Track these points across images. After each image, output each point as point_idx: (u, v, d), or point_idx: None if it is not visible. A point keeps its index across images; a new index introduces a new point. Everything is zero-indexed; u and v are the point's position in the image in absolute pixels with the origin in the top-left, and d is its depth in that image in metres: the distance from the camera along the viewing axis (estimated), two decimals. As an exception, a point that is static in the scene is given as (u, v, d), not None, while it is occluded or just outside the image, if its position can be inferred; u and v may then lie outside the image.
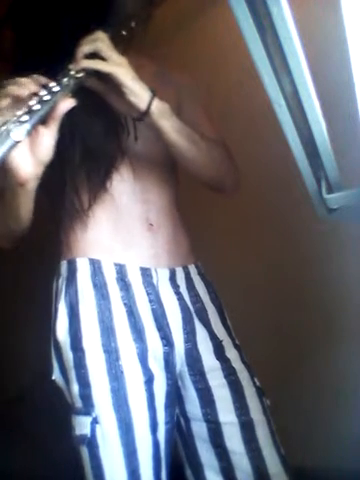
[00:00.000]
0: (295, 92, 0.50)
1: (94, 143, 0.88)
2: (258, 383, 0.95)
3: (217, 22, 1.57)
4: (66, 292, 0.88)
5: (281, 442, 0.93)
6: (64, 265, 0.91)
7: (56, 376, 0.89)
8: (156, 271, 0.92)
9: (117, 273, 0.89)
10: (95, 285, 0.87)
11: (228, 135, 1.07)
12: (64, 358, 0.86)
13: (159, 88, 1.01)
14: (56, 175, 0.86)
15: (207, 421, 0.91)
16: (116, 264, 0.90)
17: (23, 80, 0.72)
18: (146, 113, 0.81)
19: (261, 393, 0.94)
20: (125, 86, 0.79)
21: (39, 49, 0.89)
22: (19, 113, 0.67)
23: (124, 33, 0.88)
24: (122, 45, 0.86)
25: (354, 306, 1.52)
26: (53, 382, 0.90)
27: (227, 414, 0.90)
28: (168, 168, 1.00)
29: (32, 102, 0.69)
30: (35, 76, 0.73)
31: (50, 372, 0.89)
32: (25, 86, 0.71)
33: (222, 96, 1.69)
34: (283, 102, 0.51)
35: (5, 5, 0.95)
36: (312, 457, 1.57)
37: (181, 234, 1.00)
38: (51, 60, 0.77)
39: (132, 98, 0.80)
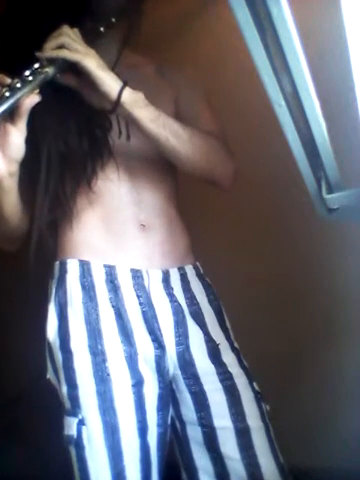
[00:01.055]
0: (295, 92, 0.50)
1: (70, 143, 0.87)
2: (257, 388, 0.94)
3: (217, 22, 1.57)
4: (56, 293, 0.88)
5: (281, 442, 0.92)
6: (56, 266, 0.91)
7: (50, 375, 0.89)
8: (148, 273, 0.91)
9: (106, 275, 0.89)
10: (83, 287, 0.87)
11: (227, 135, 1.07)
12: (55, 358, 0.87)
13: (156, 84, 1.01)
14: (39, 174, 0.86)
15: (202, 425, 0.90)
16: (106, 266, 0.89)
17: None
18: (117, 103, 0.80)
19: (260, 398, 0.93)
20: (94, 76, 0.79)
21: (21, 46, 0.87)
22: None
23: (102, 30, 0.87)
24: (103, 41, 0.85)
25: (354, 306, 1.51)
26: (50, 382, 0.90)
27: (222, 419, 0.89)
28: (163, 167, 0.98)
29: None
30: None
31: (46, 372, 0.90)
32: None
33: (222, 96, 1.69)
34: (283, 102, 0.51)
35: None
36: (312, 457, 1.56)
37: (177, 234, 0.99)
38: (32, 56, 0.76)
39: (102, 88, 0.80)
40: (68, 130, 0.87)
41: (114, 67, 0.86)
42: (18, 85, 0.71)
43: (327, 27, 1.04)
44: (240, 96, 1.64)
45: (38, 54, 0.77)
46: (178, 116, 0.99)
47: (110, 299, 0.87)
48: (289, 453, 0.93)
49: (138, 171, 0.94)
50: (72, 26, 0.81)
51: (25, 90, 0.72)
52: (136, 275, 0.90)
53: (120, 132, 0.90)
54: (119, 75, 0.83)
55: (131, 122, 0.85)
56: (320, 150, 0.57)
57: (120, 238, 0.91)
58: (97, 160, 0.89)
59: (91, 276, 0.88)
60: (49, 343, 0.87)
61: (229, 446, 0.88)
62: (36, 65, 0.75)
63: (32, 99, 0.72)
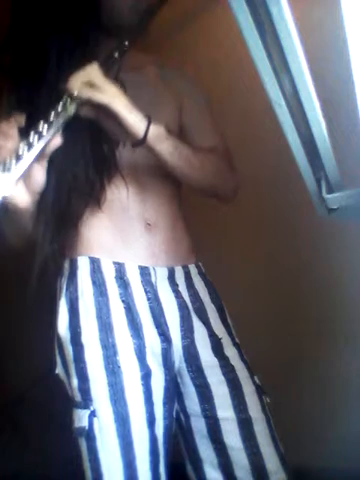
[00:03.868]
0: (295, 92, 0.50)
1: (78, 175, 0.89)
2: (258, 381, 0.96)
3: (217, 22, 1.57)
4: (67, 289, 0.91)
5: (281, 442, 0.93)
6: (66, 264, 0.94)
7: (59, 370, 0.91)
8: (154, 270, 0.94)
9: (116, 271, 0.91)
10: (94, 283, 0.90)
11: (228, 136, 1.07)
12: (65, 352, 0.88)
13: (159, 90, 1.03)
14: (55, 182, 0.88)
15: (206, 417, 0.93)
16: (115, 263, 0.92)
17: (4, 128, 0.77)
18: (143, 142, 0.84)
19: (260, 391, 0.95)
20: (121, 118, 0.81)
21: (32, 69, 0.90)
22: (7, 162, 0.72)
23: (116, 55, 0.89)
24: (115, 65, 0.87)
25: (354, 306, 1.52)
26: (52, 382, 0.90)
27: (225, 410, 0.92)
28: (166, 171, 0.99)
29: (20, 149, 0.74)
30: (17, 117, 0.78)
31: (51, 371, 0.91)
32: (6, 136, 0.76)
33: (222, 96, 1.69)
34: (283, 102, 0.51)
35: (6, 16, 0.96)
36: (312, 457, 1.57)
37: (181, 234, 1.02)
38: (44, 80, 0.81)
39: (129, 129, 0.83)
40: (76, 162, 0.89)
41: (117, 76, 0.87)
42: (44, 132, 0.76)
43: (327, 27, 1.04)
44: (240, 96, 1.65)
45: (69, 92, 0.78)
46: (180, 125, 1.03)
47: (120, 294, 0.90)
48: (289, 453, 0.93)
49: (143, 175, 0.97)
50: (86, 43, 0.86)
51: (51, 135, 0.77)
52: (144, 272, 0.93)
53: (124, 143, 0.93)
54: (122, 80, 0.85)
55: (151, 154, 0.88)
56: (320, 150, 0.57)
57: (127, 236, 0.94)
58: (104, 178, 0.92)
59: (101, 272, 0.91)
60: (59, 337, 0.89)
61: (232, 436, 0.91)
62: (59, 107, 0.78)
63: (56, 141, 0.78)
